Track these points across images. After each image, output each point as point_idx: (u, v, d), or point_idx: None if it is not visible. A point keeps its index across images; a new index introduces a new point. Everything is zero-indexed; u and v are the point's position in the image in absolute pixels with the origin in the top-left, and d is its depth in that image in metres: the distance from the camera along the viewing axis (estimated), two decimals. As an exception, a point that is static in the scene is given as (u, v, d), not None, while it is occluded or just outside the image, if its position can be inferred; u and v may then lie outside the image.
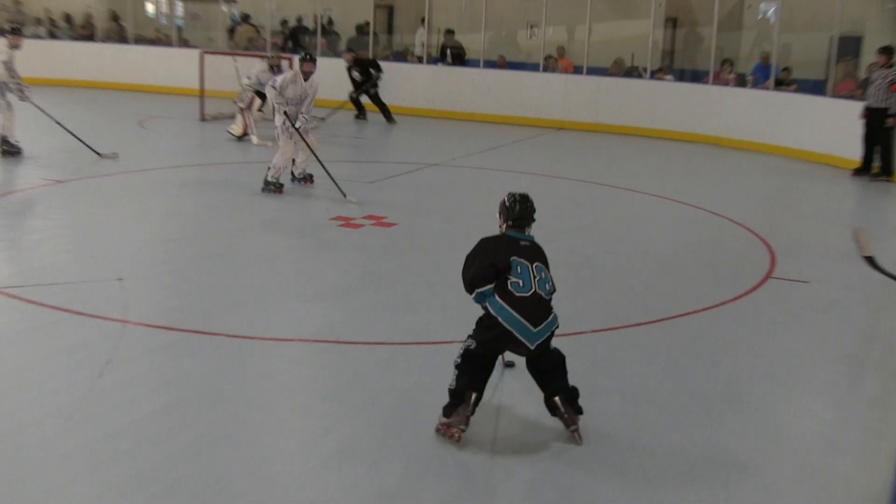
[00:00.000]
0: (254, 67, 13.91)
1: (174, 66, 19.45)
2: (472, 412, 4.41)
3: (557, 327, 4.46)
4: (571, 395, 4.54)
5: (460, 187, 11.05)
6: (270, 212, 9.19)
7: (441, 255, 7.71)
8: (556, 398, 4.49)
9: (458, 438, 4.35)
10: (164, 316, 5.95)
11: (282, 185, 9.87)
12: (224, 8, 20.53)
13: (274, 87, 9.78)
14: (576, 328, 5.84)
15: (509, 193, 4.67)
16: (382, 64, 17.00)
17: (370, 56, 17.69)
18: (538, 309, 4.36)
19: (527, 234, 4.60)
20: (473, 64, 18.18)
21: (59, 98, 16.02)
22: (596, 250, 8.26)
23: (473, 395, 4.41)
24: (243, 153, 13.01)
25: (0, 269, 6.97)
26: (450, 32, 18.63)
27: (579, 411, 4.53)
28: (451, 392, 4.46)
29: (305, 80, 9.86)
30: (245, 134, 13.66)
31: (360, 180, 10.52)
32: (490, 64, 18.09)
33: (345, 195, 9.53)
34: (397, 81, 17.87)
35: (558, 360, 4.53)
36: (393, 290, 6.74)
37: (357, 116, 16.78)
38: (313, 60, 10.01)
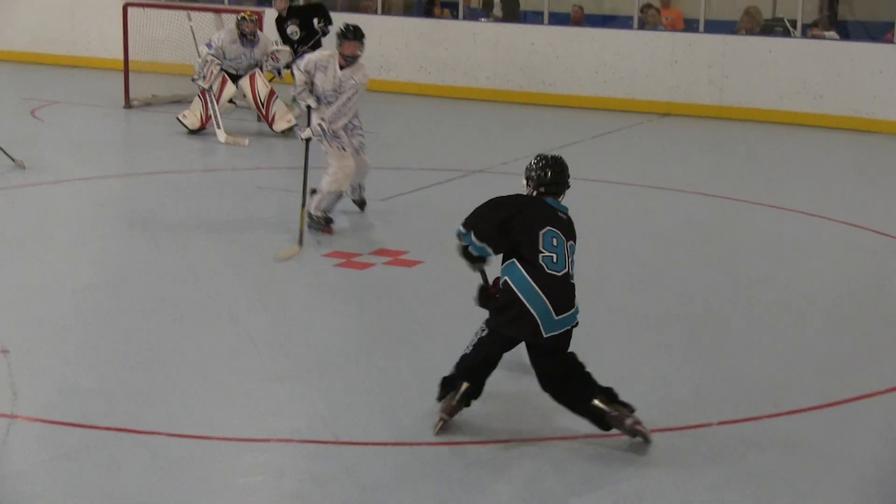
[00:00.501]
0: (216, 31, 14.08)
1: (82, 24, 19.66)
2: (462, 404, 5.62)
3: (577, 324, 5.51)
4: (610, 393, 5.48)
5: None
6: (235, 247, 9.29)
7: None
8: (595, 401, 5.41)
9: (438, 426, 5.62)
10: (72, 407, 5.98)
11: (331, 221, 9.69)
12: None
13: (301, 70, 9.60)
14: (692, 418, 5.83)
15: (538, 156, 5.83)
16: (394, 20, 16.84)
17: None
18: (565, 295, 5.44)
19: (561, 203, 5.74)
20: (534, 19, 18.25)
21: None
22: (724, 299, 8.24)
23: (465, 385, 5.59)
24: (203, 155, 13.16)
25: None
26: None
27: (629, 406, 5.44)
28: (443, 381, 5.72)
29: (343, 66, 9.49)
30: (203, 126, 13.80)
31: (368, 196, 10.56)
32: (559, 18, 18.17)
33: (300, 242, 9.27)
34: (419, 44, 17.96)
35: (575, 362, 5.52)
36: (414, 362, 6.79)
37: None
38: (358, 37, 9.53)
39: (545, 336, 5.34)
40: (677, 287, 8.28)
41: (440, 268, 8.65)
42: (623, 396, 5.45)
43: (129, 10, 15.98)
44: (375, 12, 18.51)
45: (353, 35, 9.47)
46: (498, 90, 17.82)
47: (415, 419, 5.91)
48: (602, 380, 5.48)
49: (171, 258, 8.98)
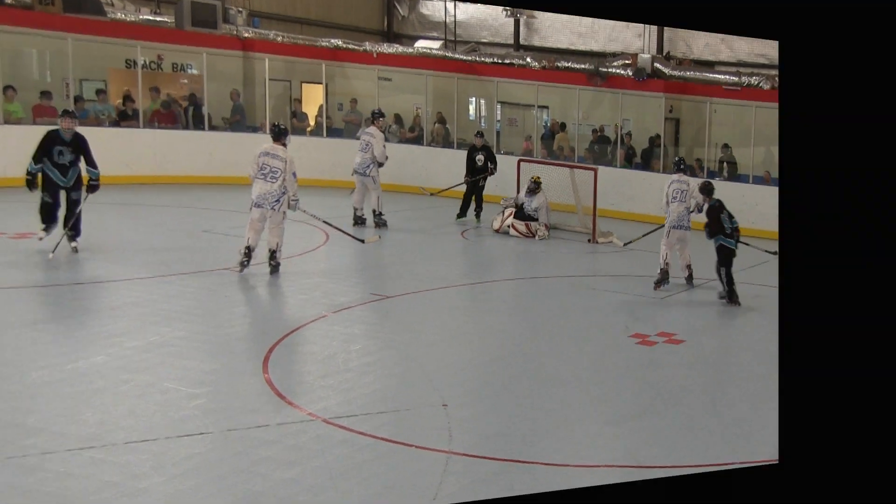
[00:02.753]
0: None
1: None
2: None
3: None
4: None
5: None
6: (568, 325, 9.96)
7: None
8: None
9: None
10: (484, 444, 6.52)
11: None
12: (535, 113, 21.56)
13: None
14: None
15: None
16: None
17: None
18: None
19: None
20: (744, 180, 17.95)
21: (395, 205, 16.91)
22: None
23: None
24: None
25: (329, 398, 7.30)
26: (726, 147, 19.04)
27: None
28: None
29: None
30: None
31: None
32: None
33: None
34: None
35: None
36: (688, 417, 7.33)
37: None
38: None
39: None
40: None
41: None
42: None
43: (521, 164, 16.88)
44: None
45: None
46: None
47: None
48: None
49: (532, 336, 9.45)
